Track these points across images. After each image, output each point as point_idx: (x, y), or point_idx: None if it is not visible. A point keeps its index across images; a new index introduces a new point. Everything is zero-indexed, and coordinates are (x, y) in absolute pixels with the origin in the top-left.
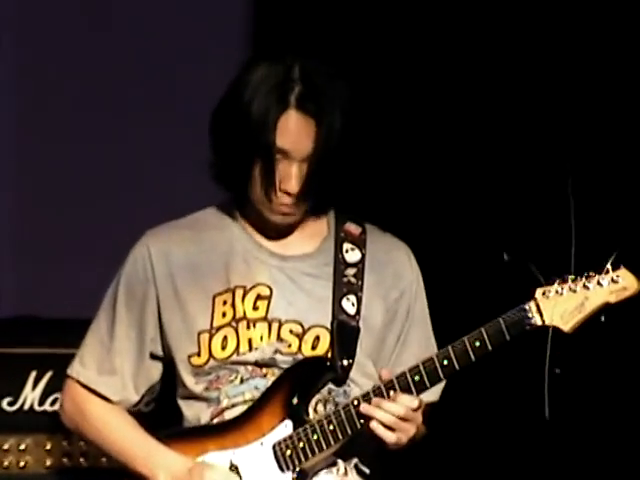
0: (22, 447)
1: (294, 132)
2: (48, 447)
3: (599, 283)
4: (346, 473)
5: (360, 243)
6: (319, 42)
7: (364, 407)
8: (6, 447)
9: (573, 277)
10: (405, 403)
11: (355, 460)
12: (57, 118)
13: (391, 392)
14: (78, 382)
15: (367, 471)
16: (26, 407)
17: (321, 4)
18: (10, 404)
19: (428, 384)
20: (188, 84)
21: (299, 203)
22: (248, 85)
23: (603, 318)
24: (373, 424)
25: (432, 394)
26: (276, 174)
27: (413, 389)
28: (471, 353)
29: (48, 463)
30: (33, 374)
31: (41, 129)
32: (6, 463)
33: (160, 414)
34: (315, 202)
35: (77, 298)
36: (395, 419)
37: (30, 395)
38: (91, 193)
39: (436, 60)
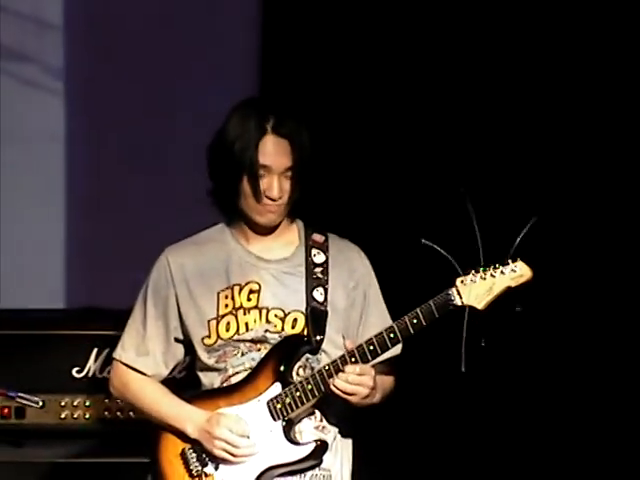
0: (87, 404)
1: (272, 151)
2: (106, 403)
3: (502, 272)
4: (321, 420)
5: (324, 248)
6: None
7: (330, 379)
8: (75, 403)
9: (483, 268)
10: (360, 370)
11: (330, 410)
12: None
13: (352, 359)
14: (121, 362)
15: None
16: (90, 375)
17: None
18: (78, 372)
19: (380, 352)
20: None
21: (281, 206)
22: (233, 122)
23: (518, 308)
24: (336, 391)
25: (393, 351)
26: (260, 185)
27: (369, 356)
28: (410, 328)
29: (106, 414)
30: (95, 350)
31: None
32: (75, 415)
33: (184, 382)
34: (290, 208)
35: (126, 293)
36: (346, 385)
37: (92, 366)
38: (139, 220)
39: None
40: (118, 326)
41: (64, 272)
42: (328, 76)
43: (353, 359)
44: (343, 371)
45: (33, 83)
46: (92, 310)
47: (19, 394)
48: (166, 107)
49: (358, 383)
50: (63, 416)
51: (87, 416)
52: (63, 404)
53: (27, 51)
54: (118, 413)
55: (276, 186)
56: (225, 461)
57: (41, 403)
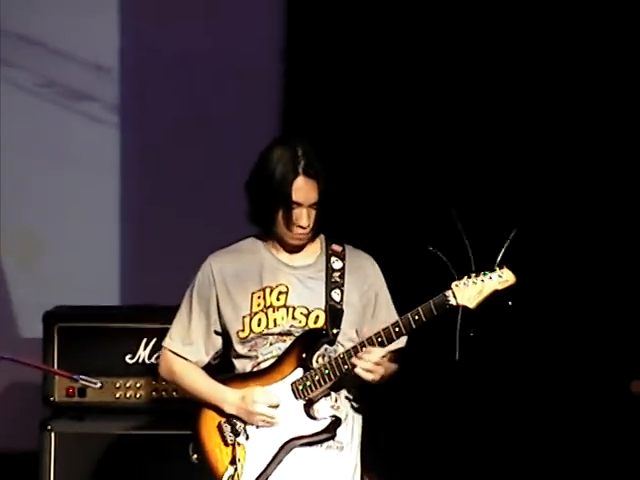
0: (138, 386)
1: (303, 190)
2: (153, 385)
3: (490, 277)
4: (336, 400)
5: (341, 257)
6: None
7: (354, 360)
8: (128, 385)
9: (474, 274)
10: (378, 354)
11: (343, 392)
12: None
13: (364, 348)
14: (169, 350)
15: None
16: (140, 361)
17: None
18: (130, 359)
19: (386, 343)
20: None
21: (308, 231)
22: (270, 162)
23: (510, 303)
24: (357, 369)
25: (398, 344)
26: (293, 216)
27: (377, 346)
28: (412, 323)
29: (154, 394)
30: (144, 340)
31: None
32: (128, 395)
33: (221, 367)
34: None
35: (171, 293)
36: (370, 364)
37: (142, 353)
38: (184, 231)
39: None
40: (163, 320)
41: (119, 275)
42: (343, 101)
43: (364, 349)
44: (355, 357)
45: (95, 117)
46: (142, 307)
47: (81, 377)
48: (201, 134)
49: (380, 364)
50: (118, 395)
51: (138, 395)
52: (118, 385)
53: (89, 91)
54: (164, 393)
55: (305, 217)
56: (254, 432)
57: (99, 384)
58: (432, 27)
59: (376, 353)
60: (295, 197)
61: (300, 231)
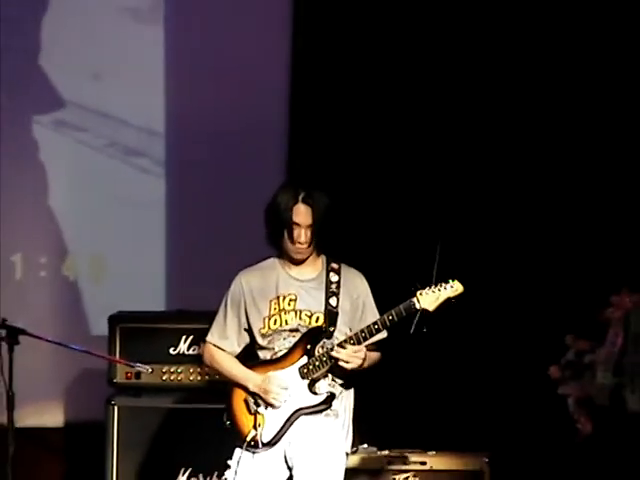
0: (179, 371)
1: (302, 214)
2: (190, 370)
3: (445, 288)
4: (333, 379)
5: (338, 272)
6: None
7: (333, 354)
8: (172, 370)
9: (434, 285)
10: (351, 349)
11: (338, 373)
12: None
13: (351, 341)
14: (210, 343)
15: (341, 382)
16: (180, 352)
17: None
18: (173, 350)
19: (368, 337)
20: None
21: (306, 248)
22: (278, 196)
23: (454, 300)
24: (340, 362)
25: (380, 336)
26: (294, 235)
27: (362, 340)
28: (387, 322)
29: (191, 378)
30: (184, 337)
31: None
32: (172, 377)
33: (247, 356)
34: (315, 249)
35: (207, 300)
36: (345, 357)
37: (182, 346)
38: (218, 250)
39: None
40: (198, 322)
41: (164, 287)
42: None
43: (352, 341)
44: (338, 353)
45: (145, 169)
46: (181, 311)
47: (137, 364)
48: (229, 177)
49: (353, 356)
50: (164, 378)
51: (179, 378)
52: (164, 370)
53: (141, 149)
54: (199, 377)
55: (303, 235)
56: (271, 405)
57: (150, 370)
58: (433, 43)
59: (350, 348)
60: (295, 219)
61: (299, 247)
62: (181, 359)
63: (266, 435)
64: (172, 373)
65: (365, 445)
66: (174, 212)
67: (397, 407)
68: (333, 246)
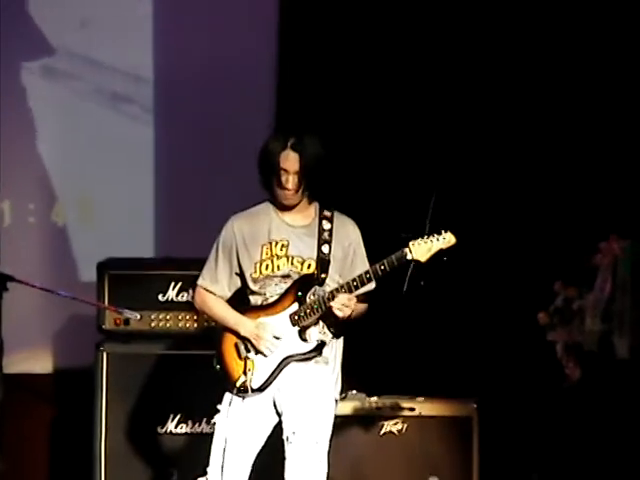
0: (168, 317)
1: (290, 160)
2: (179, 317)
3: (437, 239)
4: (323, 327)
5: (330, 220)
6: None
7: (329, 303)
8: (160, 317)
9: (426, 236)
10: (345, 297)
11: (329, 321)
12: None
13: (343, 290)
14: (201, 287)
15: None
16: (169, 299)
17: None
18: (162, 297)
19: (360, 286)
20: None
21: (294, 194)
22: (269, 144)
23: (445, 257)
24: (333, 309)
25: (369, 287)
26: (282, 181)
27: (353, 289)
28: (378, 271)
29: (180, 325)
30: (172, 283)
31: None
32: (160, 324)
33: (239, 301)
34: (307, 196)
35: (196, 247)
36: (339, 305)
37: (171, 293)
38: (209, 194)
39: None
40: (186, 269)
41: (153, 233)
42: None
43: (343, 290)
44: (332, 300)
45: (134, 116)
46: (170, 259)
47: (125, 310)
48: (220, 126)
49: (345, 305)
50: (153, 325)
51: (168, 325)
52: (152, 317)
53: (129, 95)
54: (187, 323)
55: (290, 182)
56: (262, 353)
57: (139, 316)
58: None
59: (344, 297)
60: (282, 165)
61: (287, 193)
62: (170, 306)
63: (256, 381)
64: (161, 320)
65: (354, 391)
66: (162, 159)
67: (386, 354)
68: (325, 194)
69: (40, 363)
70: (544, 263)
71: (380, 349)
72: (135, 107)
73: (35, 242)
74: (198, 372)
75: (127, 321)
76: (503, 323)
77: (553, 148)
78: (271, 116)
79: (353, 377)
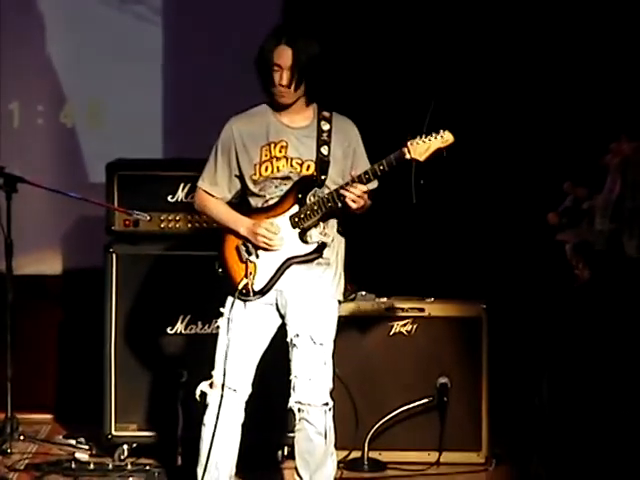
0: (177, 218)
1: (283, 55)
2: (188, 218)
3: (435, 138)
4: (324, 228)
5: (329, 121)
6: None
7: (343, 191)
8: (170, 218)
9: (424, 135)
10: (361, 188)
11: (330, 222)
12: None
13: (355, 183)
14: (201, 189)
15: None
16: (178, 200)
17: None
18: (171, 198)
19: (365, 181)
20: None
21: (288, 90)
22: (266, 39)
23: (444, 153)
24: (347, 200)
25: (373, 184)
26: (275, 77)
27: (364, 181)
28: (378, 171)
29: (189, 225)
30: (182, 184)
31: None
32: (170, 225)
33: (240, 205)
34: (305, 96)
35: (203, 148)
36: (355, 196)
37: (180, 194)
38: (213, 96)
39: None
40: (195, 170)
41: (162, 134)
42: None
43: (352, 184)
44: (348, 191)
45: (143, 17)
46: (179, 159)
47: (135, 212)
48: (220, 31)
49: (361, 196)
50: (162, 226)
51: (177, 225)
52: (162, 218)
53: None
54: (196, 224)
55: (285, 78)
56: (263, 252)
57: (148, 217)
58: None
59: (360, 187)
60: (276, 60)
61: (281, 89)
62: (179, 206)
63: (257, 283)
64: (170, 221)
65: (363, 292)
66: (171, 59)
67: (396, 255)
68: (324, 94)
69: (49, 264)
70: (554, 163)
71: (390, 250)
72: (144, 8)
73: (44, 143)
74: (207, 273)
75: (136, 222)
76: (512, 224)
77: (562, 45)
78: (279, 17)
79: (363, 278)
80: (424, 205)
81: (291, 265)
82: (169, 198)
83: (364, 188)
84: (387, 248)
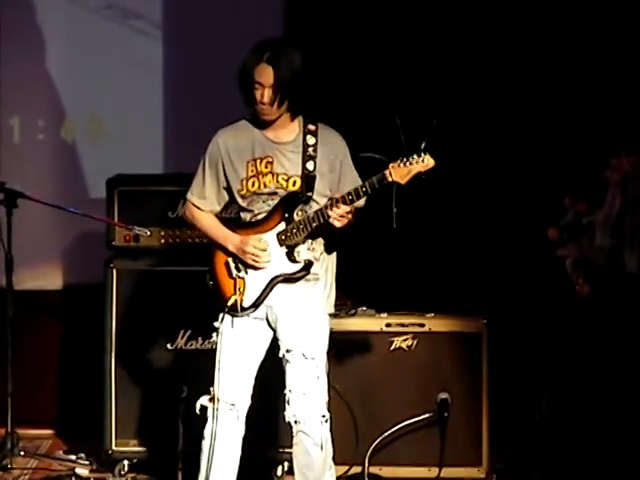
0: (177, 233)
1: (264, 74)
2: (189, 233)
3: (417, 162)
4: (312, 244)
5: (315, 134)
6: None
7: (327, 211)
8: (170, 233)
9: (405, 159)
10: (344, 209)
11: (318, 238)
12: None
13: (338, 204)
14: (190, 202)
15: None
16: (178, 215)
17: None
18: (171, 214)
19: (348, 202)
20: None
21: (270, 108)
22: (246, 58)
23: (424, 176)
24: (332, 220)
25: (359, 202)
26: (257, 95)
27: (348, 202)
28: (360, 193)
29: (189, 240)
30: (182, 200)
31: None
32: (170, 240)
33: (232, 220)
34: (289, 110)
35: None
36: (339, 216)
37: (180, 209)
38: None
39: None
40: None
41: (163, 150)
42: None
43: (336, 204)
44: (332, 210)
45: (143, 32)
46: (178, 174)
47: (135, 227)
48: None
49: (345, 216)
50: (163, 241)
51: (177, 241)
52: (162, 233)
53: (139, 10)
54: (197, 239)
55: (266, 95)
56: (251, 269)
57: (149, 233)
58: None
59: (344, 208)
60: (257, 79)
61: (262, 107)
62: (179, 222)
63: (247, 300)
64: (170, 236)
65: (364, 308)
66: (172, 75)
67: (396, 270)
68: (309, 108)
69: (50, 280)
70: (554, 178)
71: (390, 266)
72: (144, 23)
73: (44, 159)
74: (207, 288)
75: (137, 237)
76: (513, 239)
77: (562, 60)
78: (280, 31)
79: (363, 293)
80: (424, 220)
81: (279, 282)
82: (169, 213)
83: (347, 208)
84: (387, 263)
